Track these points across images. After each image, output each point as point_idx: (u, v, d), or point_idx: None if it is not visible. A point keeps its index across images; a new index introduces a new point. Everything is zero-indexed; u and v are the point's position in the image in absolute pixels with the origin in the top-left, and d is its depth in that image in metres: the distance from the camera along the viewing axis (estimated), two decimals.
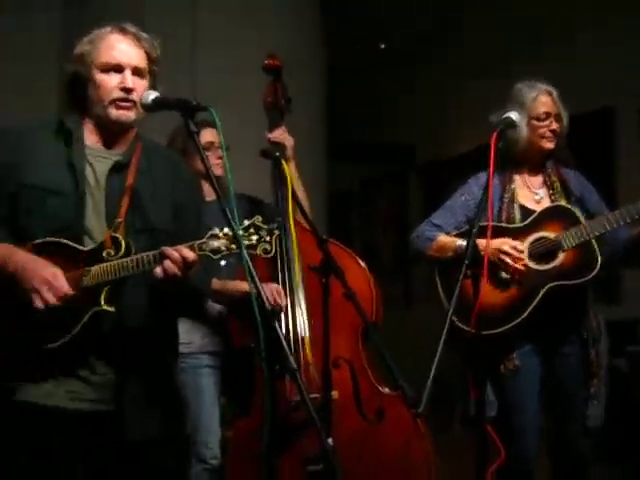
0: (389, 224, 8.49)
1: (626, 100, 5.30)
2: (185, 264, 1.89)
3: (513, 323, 2.62)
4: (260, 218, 1.93)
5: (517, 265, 2.63)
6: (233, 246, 1.87)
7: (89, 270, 1.96)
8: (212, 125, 2.92)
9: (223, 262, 2.99)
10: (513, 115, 2.47)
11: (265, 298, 1.66)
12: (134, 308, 2.05)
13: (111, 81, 2.04)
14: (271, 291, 2.78)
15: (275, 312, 1.66)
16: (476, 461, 2.13)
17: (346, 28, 6.65)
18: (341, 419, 2.62)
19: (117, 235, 2.00)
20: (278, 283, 2.86)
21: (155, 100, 1.97)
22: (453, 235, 2.84)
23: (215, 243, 1.88)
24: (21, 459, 1.98)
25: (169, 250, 1.89)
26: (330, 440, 2.23)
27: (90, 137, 2.11)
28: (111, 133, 2.12)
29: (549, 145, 2.79)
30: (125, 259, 1.95)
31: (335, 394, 2.65)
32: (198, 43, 5.36)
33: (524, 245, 2.68)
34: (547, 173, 2.84)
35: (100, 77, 2.05)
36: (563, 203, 2.76)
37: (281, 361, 1.67)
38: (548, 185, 2.82)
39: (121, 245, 1.97)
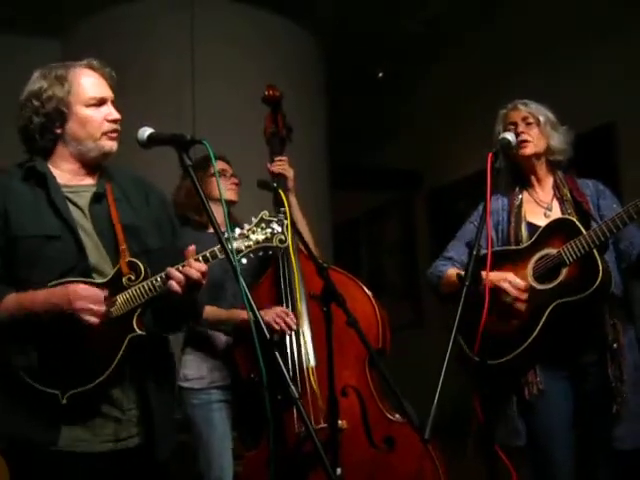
0: (397, 250, 8.48)
1: (627, 116, 5.29)
2: (202, 274, 1.95)
3: (522, 348, 2.53)
4: (267, 212, 1.98)
5: (517, 304, 2.56)
6: (250, 243, 1.95)
7: (114, 300, 1.95)
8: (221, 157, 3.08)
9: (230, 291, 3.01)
10: (509, 136, 2.47)
11: (264, 326, 1.65)
12: (150, 329, 2.05)
13: (98, 115, 2.07)
14: (276, 316, 2.74)
15: (274, 341, 1.65)
16: None
17: (346, 53, 6.69)
18: (351, 448, 2.60)
19: (134, 260, 2.00)
20: None
21: (150, 136, 1.99)
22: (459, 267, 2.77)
23: (234, 244, 1.94)
24: None
25: (190, 261, 1.95)
26: (339, 470, 2.22)
27: (59, 177, 2.09)
28: (81, 169, 2.11)
29: (522, 151, 2.69)
30: (149, 280, 1.96)
31: (344, 424, 2.64)
32: (197, 71, 5.45)
33: (527, 270, 2.59)
34: (557, 185, 2.76)
35: (86, 113, 2.06)
36: (569, 216, 2.64)
37: (283, 390, 1.66)
38: (558, 198, 2.74)
39: (141, 268, 1.98)
